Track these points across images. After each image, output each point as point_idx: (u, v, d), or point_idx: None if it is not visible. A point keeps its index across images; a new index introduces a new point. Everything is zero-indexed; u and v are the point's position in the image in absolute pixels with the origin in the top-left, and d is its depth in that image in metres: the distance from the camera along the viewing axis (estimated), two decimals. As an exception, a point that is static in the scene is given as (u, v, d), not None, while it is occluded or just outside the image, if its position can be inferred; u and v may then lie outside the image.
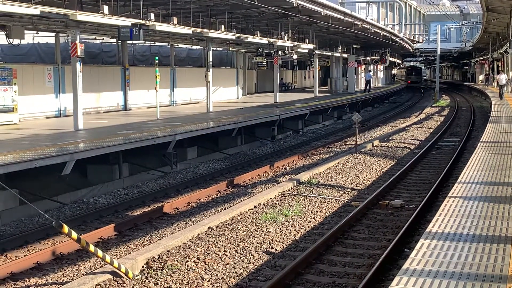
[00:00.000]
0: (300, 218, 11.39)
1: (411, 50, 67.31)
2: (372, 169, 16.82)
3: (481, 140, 15.00)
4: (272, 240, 9.93)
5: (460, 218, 7.27)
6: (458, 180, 9.70)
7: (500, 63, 47.97)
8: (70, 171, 12.77)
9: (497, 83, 35.82)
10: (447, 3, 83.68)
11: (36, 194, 12.73)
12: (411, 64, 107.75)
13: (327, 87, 49.27)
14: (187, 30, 20.85)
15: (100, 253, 7.88)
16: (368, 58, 54.17)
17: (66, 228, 7.45)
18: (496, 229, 6.78)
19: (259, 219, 11.09)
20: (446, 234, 6.55)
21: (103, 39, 28.69)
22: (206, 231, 10.21)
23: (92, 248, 7.84)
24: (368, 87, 45.72)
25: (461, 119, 33.32)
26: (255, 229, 10.49)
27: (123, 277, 7.99)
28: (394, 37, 46.92)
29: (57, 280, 8.64)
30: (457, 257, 5.75)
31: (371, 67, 52.45)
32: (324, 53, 40.87)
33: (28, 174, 12.12)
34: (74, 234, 7.63)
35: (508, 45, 33.04)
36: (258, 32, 27.31)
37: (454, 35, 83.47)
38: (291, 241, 10.01)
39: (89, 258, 9.48)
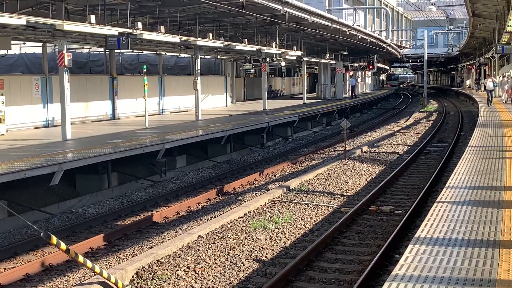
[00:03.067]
0: (290, 225, 11.40)
1: (399, 56, 67.69)
2: (361, 175, 16.87)
3: (469, 145, 15.08)
4: (263, 248, 9.92)
5: (449, 223, 7.29)
6: (447, 185, 9.74)
7: (487, 68, 48.32)
8: (58, 181, 12.71)
9: (484, 87, 35.42)
10: (433, 9, 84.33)
11: (24, 205, 12.66)
12: (399, 70, 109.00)
13: (315, 93, 49.40)
14: (175, 39, 20.86)
15: (89, 263, 7.83)
16: (356, 64, 54.38)
17: (54, 239, 7.40)
18: (484, 233, 6.81)
19: (249, 227, 11.08)
20: (435, 239, 6.57)
21: (90, 48, 28.63)
22: (196, 240, 10.19)
23: (81, 258, 7.79)
24: (353, 92, 46.19)
25: (449, 124, 33.49)
26: (245, 236, 10.48)
27: (113, 288, 7.95)
28: (381, 43, 47.17)
29: (46, 292, 8.58)
30: (446, 262, 5.77)
31: (351, 73, 52.75)
32: (312, 59, 41.02)
33: (16, 185, 12.05)
34: (63, 245, 7.58)
35: (494, 50, 33.25)
36: (246, 39, 27.38)
37: (441, 41, 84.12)
38: (281, 248, 10.00)
39: (78, 269, 9.43)
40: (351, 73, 52.94)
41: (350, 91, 46.99)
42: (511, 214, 7.64)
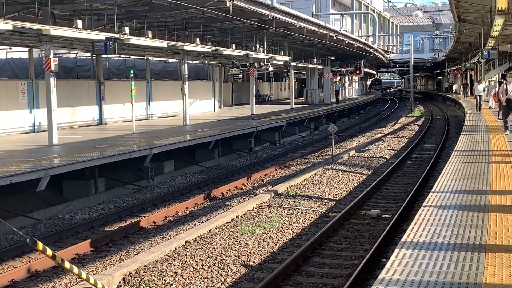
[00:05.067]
0: (278, 229, 11.40)
1: (385, 61, 68.02)
2: (349, 179, 16.91)
3: (455, 149, 15.16)
4: (250, 253, 9.92)
5: (435, 227, 7.33)
6: (433, 189, 9.78)
7: (473, 73, 48.61)
8: (45, 187, 12.64)
9: (471, 92, 35.32)
10: (419, 14, 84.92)
11: (10, 211, 12.57)
12: (386, 75, 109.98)
13: (303, 98, 49.51)
14: (162, 44, 20.84)
15: (75, 269, 7.78)
16: (343, 69, 54.57)
17: (40, 245, 7.34)
18: (470, 237, 6.85)
19: (237, 232, 11.08)
20: (421, 243, 6.60)
21: (77, 53, 28.54)
22: (183, 245, 10.16)
23: (67, 264, 7.73)
24: (337, 98, 46.54)
25: (436, 128, 33.68)
26: (232, 242, 10.47)
27: (100, 294, 7.89)
28: (368, 48, 47.39)
29: (32, 298, 8.52)
30: (432, 266, 5.80)
31: (338, 78, 53.08)
32: (300, 64, 41.12)
33: (2, 191, 11.96)
34: (49, 251, 7.52)
35: (480, 55, 33.48)
36: (234, 44, 27.40)
37: (427, 46, 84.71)
38: (269, 253, 10.00)
39: (65, 275, 9.38)
40: (338, 78, 53.15)
41: (335, 96, 47.27)
42: (497, 218, 7.69)
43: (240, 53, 27.59)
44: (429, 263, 5.89)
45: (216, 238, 10.61)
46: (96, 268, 9.86)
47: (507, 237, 6.83)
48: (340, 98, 48.60)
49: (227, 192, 16.16)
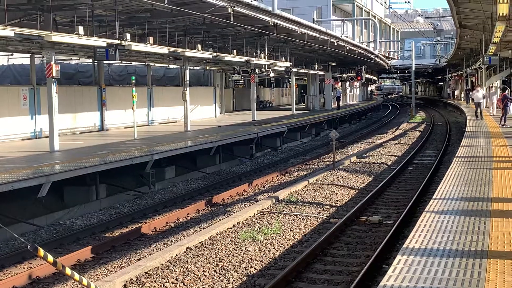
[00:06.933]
0: (279, 236, 11.38)
1: (387, 67, 68.05)
2: (350, 185, 16.89)
3: (456, 155, 15.14)
4: (251, 259, 9.90)
5: (437, 233, 7.31)
6: (435, 196, 9.77)
7: (474, 79, 48.62)
8: (46, 193, 12.64)
9: (472, 99, 34.87)
10: (421, 20, 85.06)
11: (11, 217, 12.56)
12: (387, 81, 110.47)
13: (304, 104, 49.48)
14: (164, 50, 20.87)
15: (76, 276, 7.76)
16: (344, 75, 54.61)
17: (41, 252, 7.33)
18: (472, 243, 6.83)
19: (238, 238, 11.06)
20: (423, 250, 6.58)
21: (79, 59, 28.56)
22: (184, 252, 10.15)
23: (68, 271, 7.71)
24: (338, 104, 46.59)
25: (437, 134, 33.65)
26: (234, 248, 10.45)
27: (101, 300, 7.88)
28: (369, 54, 47.42)
29: (33, 305, 8.50)
30: (434, 273, 5.78)
31: (340, 84, 53.18)
32: (301, 70, 41.16)
33: (3, 197, 11.95)
34: (50, 258, 7.51)
35: (481, 60, 33.47)
36: (235, 50, 27.44)
37: (428, 52, 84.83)
38: (270, 260, 9.98)
39: (66, 282, 9.36)
40: (339, 84, 53.18)
41: (336, 102, 47.29)
42: (499, 224, 7.68)
43: (241, 59, 27.63)
44: (431, 270, 5.88)
45: (218, 245, 10.60)
46: (97, 274, 9.84)
47: (509, 243, 6.81)
48: (341, 104, 48.60)
49: (228, 198, 16.14)
